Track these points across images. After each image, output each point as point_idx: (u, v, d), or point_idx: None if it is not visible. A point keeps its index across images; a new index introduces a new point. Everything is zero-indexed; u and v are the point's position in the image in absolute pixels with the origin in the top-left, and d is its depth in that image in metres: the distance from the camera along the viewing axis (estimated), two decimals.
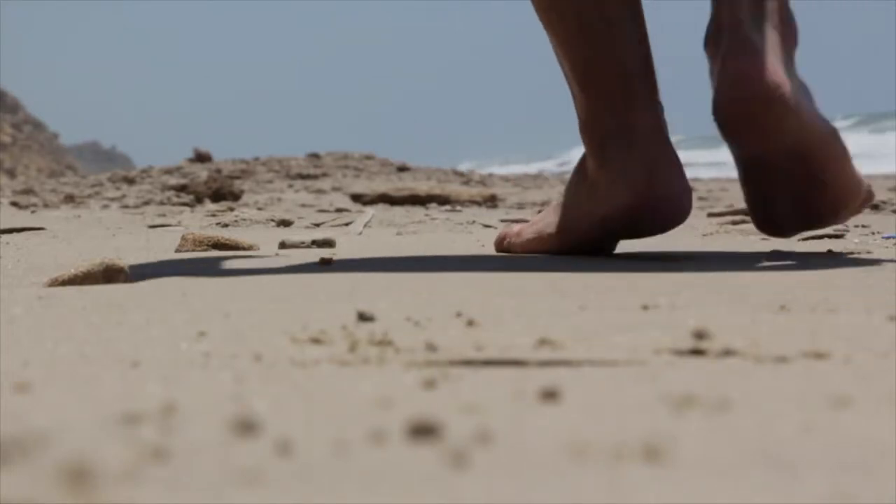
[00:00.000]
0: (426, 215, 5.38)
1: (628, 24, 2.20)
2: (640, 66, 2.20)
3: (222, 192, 7.08)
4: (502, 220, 4.33)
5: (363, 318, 1.65)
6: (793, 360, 1.34)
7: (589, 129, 2.26)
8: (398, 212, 5.87)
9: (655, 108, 2.22)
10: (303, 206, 6.98)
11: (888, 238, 3.56)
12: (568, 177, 3.51)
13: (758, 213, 2.40)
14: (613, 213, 2.30)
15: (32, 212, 6.47)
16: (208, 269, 2.63)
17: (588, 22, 2.15)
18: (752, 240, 3.51)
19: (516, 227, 2.73)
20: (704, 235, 3.74)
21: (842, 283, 2.14)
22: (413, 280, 2.20)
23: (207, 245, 3.18)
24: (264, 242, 3.35)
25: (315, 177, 11.12)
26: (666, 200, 2.26)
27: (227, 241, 3.21)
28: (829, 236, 3.52)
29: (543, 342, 1.44)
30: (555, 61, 2.28)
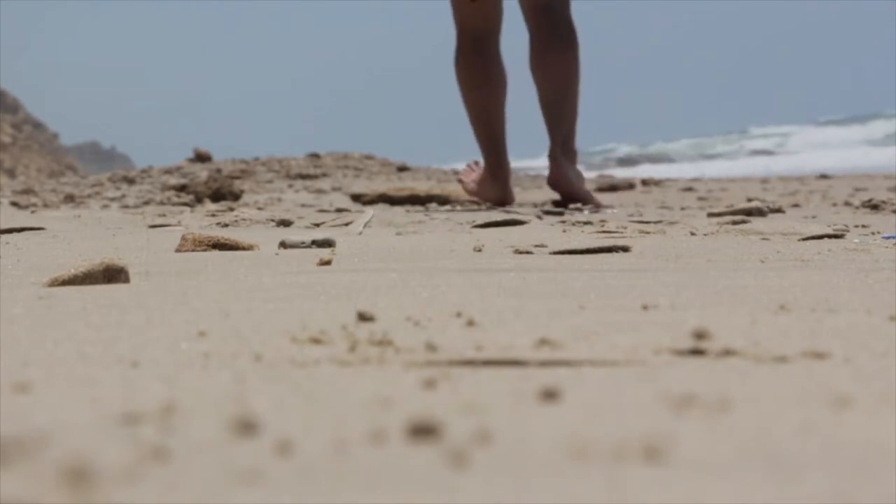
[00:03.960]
0: (426, 215, 5.38)
1: (502, 119, 5.91)
2: (503, 141, 5.97)
3: (222, 192, 7.08)
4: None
5: (363, 318, 1.65)
6: (793, 360, 1.34)
7: (487, 163, 6.00)
8: (398, 212, 5.87)
9: (506, 160, 6.04)
10: (303, 206, 6.98)
11: (888, 238, 3.56)
12: None
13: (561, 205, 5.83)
14: (490, 199, 6.02)
15: (32, 212, 6.47)
16: (208, 269, 2.63)
17: (487, 120, 5.91)
18: (751, 240, 3.52)
19: (473, 175, 6.21)
20: (705, 235, 3.74)
21: (842, 283, 2.14)
22: (413, 280, 2.20)
23: (207, 245, 3.19)
24: (264, 242, 3.35)
25: (315, 177, 11.12)
26: (504, 201, 5.96)
27: (227, 241, 3.21)
28: (829, 236, 3.52)
29: (543, 342, 1.44)
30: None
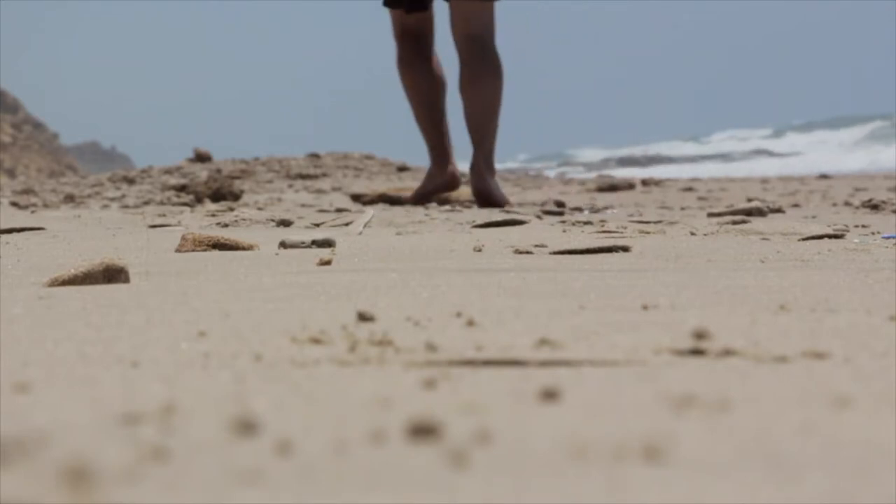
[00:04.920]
0: (426, 215, 5.38)
1: (443, 114, 6.74)
2: (445, 130, 6.75)
3: (222, 192, 7.08)
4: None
5: (363, 318, 1.65)
6: (793, 360, 1.34)
7: (432, 154, 6.72)
8: (398, 212, 5.87)
9: (449, 146, 6.75)
10: (303, 206, 6.98)
11: (888, 238, 3.56)
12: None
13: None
14: (438, 185, 6.72)
15: (32, 212, 6.47)
16: (208, 269, 2.63)
17: (429, 114, 6.65)
18: (751, 240, 3.52)
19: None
20: (705, 235, 3.74)
21: (842, 283, 2.14)
22: (413, 280, 2.20)
23: (207, 245, 3.19)
24: (264, 242, 3.35)
25: (315, 177, 11.13)
26: (451, 182, 6.71)
27: (227, 241, 3.21)
28: (829, 236, 3.52)
29: (543, 342, 1.44)
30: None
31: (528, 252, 3.03)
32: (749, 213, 5.05)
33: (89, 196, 8.69)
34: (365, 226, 4.39)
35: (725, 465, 0.87)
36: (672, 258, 2.84)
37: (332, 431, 0.98)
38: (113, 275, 2.28)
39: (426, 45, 6.60)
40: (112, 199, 8.15)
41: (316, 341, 1.47)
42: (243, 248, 3.20)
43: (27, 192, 9.50)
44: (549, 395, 1.11)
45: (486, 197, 6.42)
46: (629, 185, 9.15)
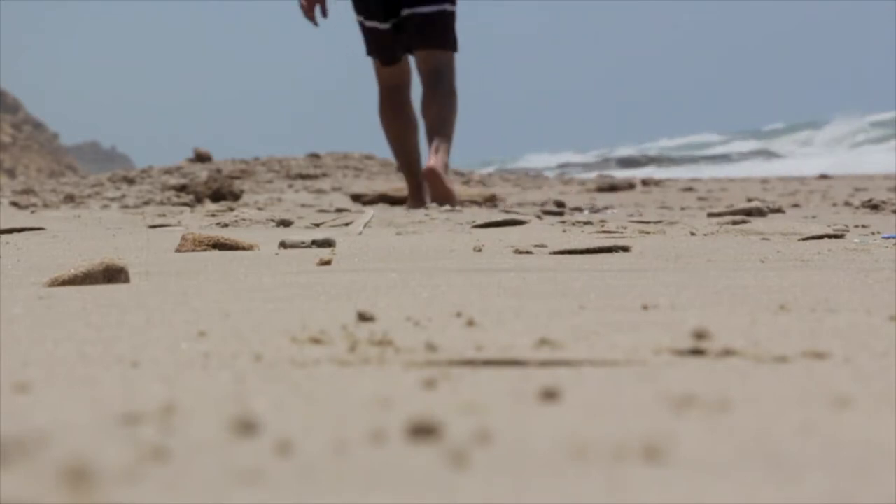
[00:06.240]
0: (426, 215, 5.38)
1: (418, 153, 7.68)
2: (418, 164, 7.63)
3: (222, 192, 7.08)
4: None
5: (363, 318, 1.65)
6: (793, 360, 1.34)
7: (409, 184, 7.59)
8: (398, 212, 5.88)
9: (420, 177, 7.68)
10: (303, 206, 6.99)
11: (888, 238, 3.56)
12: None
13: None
14: (416, 206, 7.07)
15: (32, 212, 6.47)
16: (208, 269, 2.63)
17: (406, 157, 7.68)
18: (752, 240, 3.52)
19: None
20: (705, 235, 3.74)
21: (842, 283, 2.14)
22: (413, 280, 2.20)
23: (207, 245, 3.19)
24: (264, 242, 3.35)
25: (315, 177, 11.14)
26: (423, 204, 7.21)
27: (227, 241, 3.21)
28: (829, 236, 3.52)
29: (543, 342, 1.44)
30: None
31: (528, 252, 3.03)
32: (749, 213, 5.05)
33: (89, 196, 8.69)
34: (365, 226, 4.39)
35: (725, 465, 0.87)
36: (672, 258, 2.84)
37: (332, 431, 0.98)
38: (113, 275, 2.28)
39: (403, 93, 7.75)
40: (112, 199, 8.16)
41: (316, 341, 1.47)
42: (243, 248, 3.20)
43: (27, 192, 9.50)
44: (549, 395, 1.11)
45: (444, 195, 7.20)
46: (629, 185, 9.15)
